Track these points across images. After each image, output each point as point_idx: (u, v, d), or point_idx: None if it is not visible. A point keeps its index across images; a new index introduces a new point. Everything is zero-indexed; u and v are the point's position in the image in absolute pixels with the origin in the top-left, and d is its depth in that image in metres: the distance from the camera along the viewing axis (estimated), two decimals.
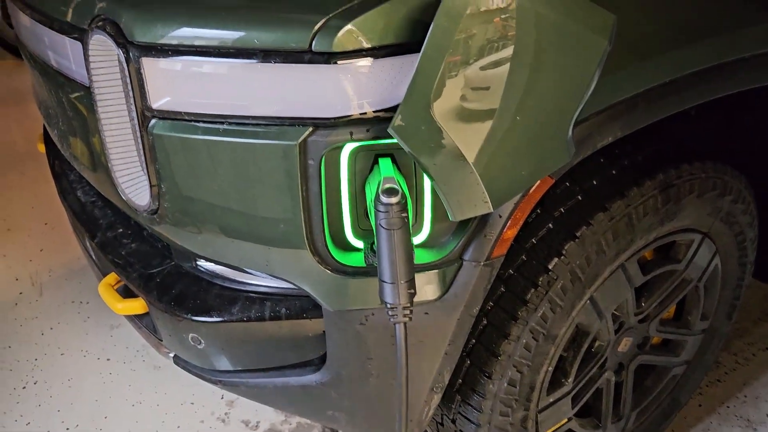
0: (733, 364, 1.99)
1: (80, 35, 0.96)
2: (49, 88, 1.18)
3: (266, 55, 0.80)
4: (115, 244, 1.26)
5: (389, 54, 0.80)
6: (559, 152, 0.88)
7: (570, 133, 0.87)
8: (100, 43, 0.90)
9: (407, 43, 0.80)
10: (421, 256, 0.95)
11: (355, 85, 0.80)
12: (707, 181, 1.25)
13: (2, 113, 3.82)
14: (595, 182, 1.14)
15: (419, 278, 0.91)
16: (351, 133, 0.83)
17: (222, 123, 0.86)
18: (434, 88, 0.77)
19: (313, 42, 0.78)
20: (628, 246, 1.17)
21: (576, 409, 1.38)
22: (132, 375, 1.97)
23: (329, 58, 0.79)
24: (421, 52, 0.76)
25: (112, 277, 1.25)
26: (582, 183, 1.13)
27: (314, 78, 0.80)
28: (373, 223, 0.84)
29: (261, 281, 1.07)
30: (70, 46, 1.02)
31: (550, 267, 1.10)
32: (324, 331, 1.04)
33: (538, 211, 1.12)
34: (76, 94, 1.06)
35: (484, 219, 0.95)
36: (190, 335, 1.11)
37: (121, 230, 1.29)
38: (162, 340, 1.23)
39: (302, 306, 1.04)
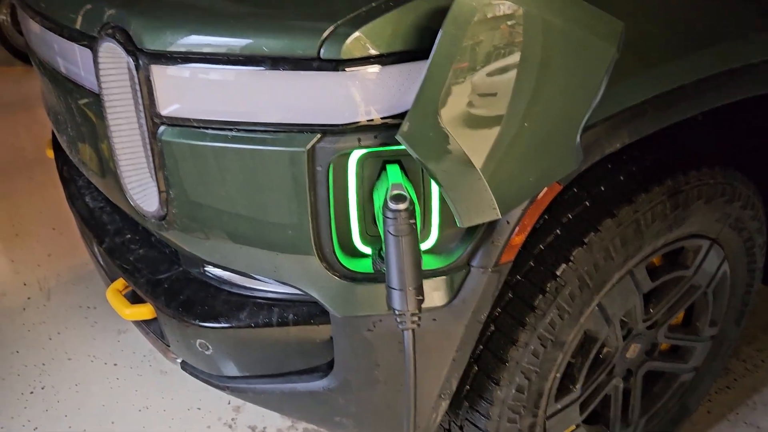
0: (743, 371, 1.98)
1: (90, 42, 0.97)
2: (59, 95, 1.19)
3: (275, 62, 0.81)
4: (123, 249, 1.27)
5: (397, 61, 0.80)
6: (567, 158, 0.88)
7: (578, 139, 0.87)
8: (110, 51, 0.91)
9: (415, 50, 0.80)
10: (429, 263, 0.95)
11: (363, 92, 0.80)
12: (716, 187, 1.24)
13: (11, 119, 3.85)
14: (602, 188, 1.13)
15: (427, 284, 0.91)
16: (359, 140, 0.83)
17: (230, 130, 0.87)
18: (442, 95, 0.77)
19: (322, 49, 0.79)
20: (636, 252, 1.17)
21: (584, 415, 1.37)
22: (139, 380, 1.98)
23: (337, 65, 0.79)
24: (430, 59, 0.76)
25: (120, 283, 1.26)
26: (590, 189, 1.13)
27: (322, 85, 0.81)
28: (381, 229, 0.84)
29: (269, 287, 1.07)
30: (79, 53, 1.02)
31: (558, 273, 1.09)
32: (331, 337, 1.04)
33: (546, 217, 1.11)
34: (86, 101, 1.07)
35: (491, 225, 0.95)
36: (198, 341, 1.12)
37: (129, 236, 1.29)
38: (170, 346, 1.23)
39: (310, 312, 1.04)
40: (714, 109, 1.11)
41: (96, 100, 1.00)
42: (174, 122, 0.89)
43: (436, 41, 0.75)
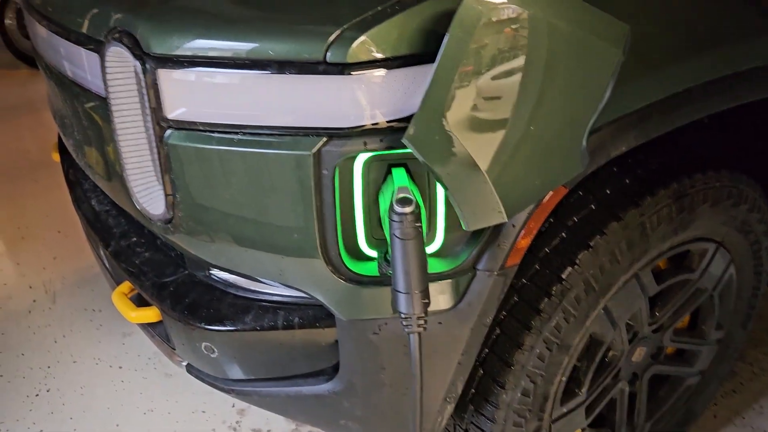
0: (749, 374, 1.97)
1: (97, 47, 0.97)
2: (65, 98, 1.19)
3: (281, 66, 0.81)
4: (129, 252, 1.27)
5: (403, 65, 0.80)
6: (572, 162, 0.88)
7: (584, 143, 0.87)
8: (117, 55, 0.91)
9: (420, 53, 0.80)
10: (434, 266, 0.95)
11: (369, 96, 0.81)
12: (722, 190, 1.24)
13: (16, 122, 3.87)
14: (608, 191, 1.13)
15: (433, 288, 0.91)
16: (365, 143, 0.83)
17: (236, 133, 0.87)
18: (448, 98, 0.77)
19: (328, 53, 0.79)
20: (641, 255, 1.17)
21: (590, 419, 1.36)
22: (144, 383, 1.98)
23: (343, 68, 0.79)
24: (436, 62, 0.76)
25: (126, 286, 1.26)
26: (595, 192, 1.13)
27: (328, 88, 0.81)
28: (386, 232, 0.84)
29: (274, 290, 1.07)
30: (86, 57, 1.03)
31: (563, 276, 1.09)
32: (337, 341, 1.04)
33: (552, 220, 1.11)
34: (92, 104, 1.08)
35: (497, 229, 0.95)
36: (204, 344, 1.12)
37: (134, 239, 1.30)
38: (175, 349, 1.23)
39: (315, 315, 1.04)
40: (720, 112, 1.11)
41: (102, 103, 1.00)
42: (180, 126, 0.89)
43: (443, 45, 0.75)
